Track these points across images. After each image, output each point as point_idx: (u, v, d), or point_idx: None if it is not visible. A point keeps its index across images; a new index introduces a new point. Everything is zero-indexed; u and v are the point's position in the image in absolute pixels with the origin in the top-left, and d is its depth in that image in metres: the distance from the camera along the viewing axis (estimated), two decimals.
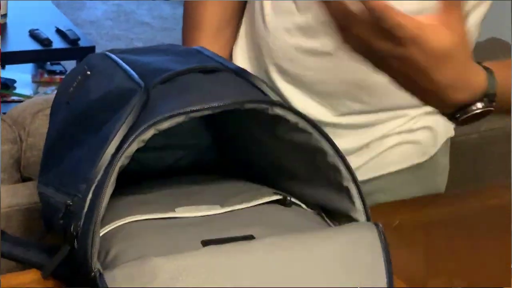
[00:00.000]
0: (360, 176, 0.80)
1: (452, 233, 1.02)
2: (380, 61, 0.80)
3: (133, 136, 0.72)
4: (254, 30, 1.09)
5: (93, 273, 0.68)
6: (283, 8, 1.04)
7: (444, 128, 1.11)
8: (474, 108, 0.83)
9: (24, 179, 1.26)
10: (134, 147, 0.72)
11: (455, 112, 0.84)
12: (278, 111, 0.76)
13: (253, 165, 0.92)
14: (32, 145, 1.24)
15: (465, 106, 0.83)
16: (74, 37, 2.77)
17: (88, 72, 0.88)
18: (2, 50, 2.62)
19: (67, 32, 2.78)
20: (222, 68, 0.83)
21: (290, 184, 0.85)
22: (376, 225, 0.75)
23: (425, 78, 0.78)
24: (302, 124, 0.77)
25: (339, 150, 0.77)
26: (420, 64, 0.77)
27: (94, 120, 0.81)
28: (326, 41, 1.01)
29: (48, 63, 3.03)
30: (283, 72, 1.07)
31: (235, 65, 0.86)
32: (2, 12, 2.78)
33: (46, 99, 1.29)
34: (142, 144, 0.73)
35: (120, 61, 0.86)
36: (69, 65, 2.98)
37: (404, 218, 1.01)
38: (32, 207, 1.19)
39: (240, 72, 0.83)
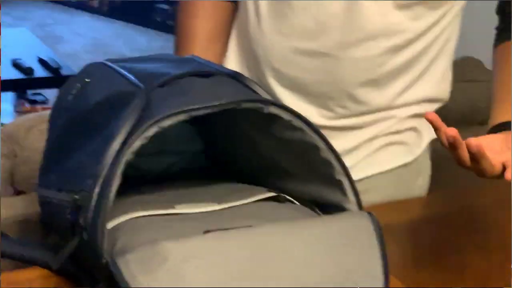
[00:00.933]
0: None
1: (437, 230, 1.07)
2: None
3: (138, 132, 0.75)
4: (247, 39, 1.14)
5: (104, 260, 0.71)
6: (279, 12, 1.09)
7: (428, 130, 1.17)
8: None
9: (18, 193, 1.28)
10: (138, 143, 0.76)
11: None
12: (273, 110, 0.80)
13: (245, 166, 0.95)
14: (26, 159, 1.27)
15: None
16: (56, 66, 2.80)
17: (87, 80, 0.91)
18: None
19: (49, 61, 2.81)
20: (216, 72, 0.87)
21: (283, 183, 0.89)
22: (369, 213, 0.79)
23: None
24: (295, 122, 0.81)
25: (331, 145, 0.81)
26: None
27: (95, 123, 0.84)
28: (323, 42, 1.06)
29: (30, 93, 3.06)
30: (279, 76, 1.11)
31: (228, 69, 0.90)
32: None
33: (39, 115, 1.32)
34: (145, 141, 0.76)
35: (118, 68, 0.90)
36: (51, 94, 3.01)
37: (391, 220, 1.05)
38: (28, 219, 1.22)
39: (234, 75, 0.87)
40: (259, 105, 0.80)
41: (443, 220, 1.09)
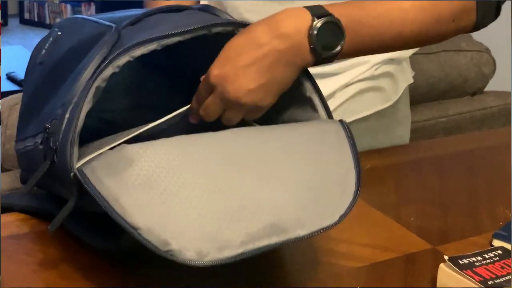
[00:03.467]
0: None
1: (421, 172, 1.06)
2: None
3: (108, 60, 0.74)
4: None
5: (72, 173, 0.70)
6: None
7: (403, 75, 1.15)
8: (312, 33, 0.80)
9: (4, 171, 1.27)
10: (109, 71, 0.74)
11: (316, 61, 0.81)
12: None
13: None
14: (10, 137, 1.26)
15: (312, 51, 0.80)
16: None
17: (59, 33, 0.91)
18: None
19: None
20: (187, 7, 0.87)
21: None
22: (340, 120, 0.80)
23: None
24: None
25: None
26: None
27: (68, 67, 0.83)
28: None
29: None
30: None
31: (200, 4, 0.90)
32: None
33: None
34: (117, 70, 0.75)
35: (89, 17, 0.90)
36: None
37: (375, 163, 1.05)
38: (14, 193, 1.21)
39: (206, 8, 0.87)
40: (229, 28, 0.80)
41: (428, 164, 1.08)
